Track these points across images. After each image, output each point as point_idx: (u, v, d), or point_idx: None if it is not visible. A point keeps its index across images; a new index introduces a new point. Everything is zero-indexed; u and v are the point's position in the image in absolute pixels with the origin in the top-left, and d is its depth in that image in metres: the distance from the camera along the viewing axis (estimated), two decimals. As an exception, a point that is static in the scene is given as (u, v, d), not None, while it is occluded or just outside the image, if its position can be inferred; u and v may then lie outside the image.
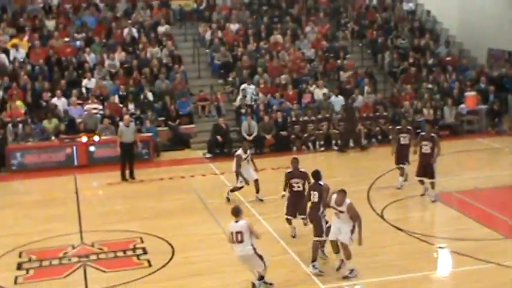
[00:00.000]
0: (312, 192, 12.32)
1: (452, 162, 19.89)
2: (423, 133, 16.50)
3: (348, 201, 11.51)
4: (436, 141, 16.05)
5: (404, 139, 17.25)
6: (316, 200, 12.18)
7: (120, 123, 19.93)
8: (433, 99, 24.68)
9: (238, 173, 16.19)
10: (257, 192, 16.32)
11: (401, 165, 17.23)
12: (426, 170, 15.94)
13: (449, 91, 25.35)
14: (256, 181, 16.30)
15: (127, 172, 19.15)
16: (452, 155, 20.65)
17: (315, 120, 22.93)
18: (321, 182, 12.33)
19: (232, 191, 16.46)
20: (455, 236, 13.66)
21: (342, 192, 11.56)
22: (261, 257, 11.01)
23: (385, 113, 23.75)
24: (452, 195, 16.36)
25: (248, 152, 16.54)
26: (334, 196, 11.64)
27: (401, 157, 17.23)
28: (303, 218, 13.24)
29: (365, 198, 16.28)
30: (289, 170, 13.57)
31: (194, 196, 17.26)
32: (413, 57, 26.99)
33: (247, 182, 16.20)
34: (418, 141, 16.27)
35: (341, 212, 11.54)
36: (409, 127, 17.76)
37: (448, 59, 27.32)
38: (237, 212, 11.06)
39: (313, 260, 11.86)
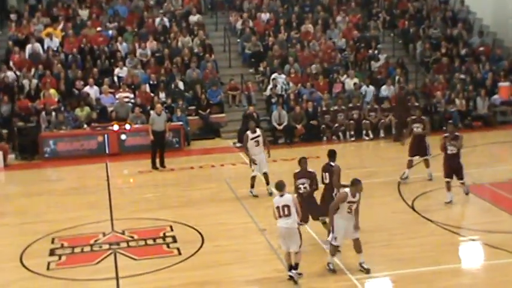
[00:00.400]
0: (323, 173, 12.44)
1: (485, 154, 19.65)
2: (447, 134, 15.08)
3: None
4: (460, 140, 14.89)
5: (417, 129, 16.77)
6: (327, 181, 12.37)
7: (152, 112, 20.05)
8: (466, 89, 24.38)
9: (246, 153, 16.01)
10: (267, 184, 15.78)
11: (411, 158, 16.72)
12: (455, 171, 14.95)
13: (482, 82, 25.01)
14: (265, 174, 15.82)
15: (157, 161, 19.26)
16: (485, 147, 20.40)
17: (346, 109, 22.81)
18: (332, 163, 12.42)
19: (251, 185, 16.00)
20: (487, 228, 13.46)
21: (358, 183, 11.12)
22: (300, 234, 10.99)
23: (416, 104, 23.52)
24: (485, 186, 16.16)
25: (257, 131, 15.90)
26: (347, 190, 11.15)
27: (414, 149, 16.73)
28: (322, 220, 12.67)
29: (395, 189, 16.16)
30: (297, 170, 12.76)
31: (224, 185, 17.32)
32: (446, 47, 26.66)
33: (255, 162, 15.72)
34: (443, 143, 14.98)
35: (354, 202, 11.17)
36: (423, 116, 17.26)
37: (481, 49, 26.93)
38: (281, 187, 11.00)
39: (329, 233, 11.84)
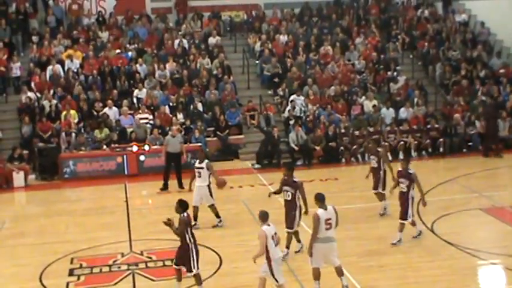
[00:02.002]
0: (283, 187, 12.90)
1: (505, 176, 19.50)
2: (400, 168, 14.00)
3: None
4: (415, 179, 13.70)
5: (373, 161, 15.94)
6: (288, 198, 12.74)
7: (169, 134, 20.15)
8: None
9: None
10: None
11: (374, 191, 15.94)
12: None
13: (502, 104, 24.85)
14: (210, 206, 15.38)
15: (175, 182, 19.28)
16: (506, 169, 20.22)
17: (366, 134, 22.71)
18: (296, 179, 12.74)
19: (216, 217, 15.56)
20: (508, 251, 13.30)
21: (320, 197, 11.18)
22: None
23: (436, 126, 23.42)
24: (506, 209, 15.99)
25: (203, 163, 15.21)
26: (318, 212, 11.02)
27: (374, 181, 15.88)
28: (287, 232, 12.97)
29: (415, 211, 16.03)
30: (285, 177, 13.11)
31: (242, 206, 17.30)
32: (466, 69, 26.57)
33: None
34: (397, 178, 14.05)
35: (330, 218, 11.04)
36: (378, 149, 16.24)
37: (502, 71, 26.80)
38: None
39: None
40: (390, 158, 17.90)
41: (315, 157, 22.35)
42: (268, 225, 10.63)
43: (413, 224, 13.94)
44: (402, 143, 22.68)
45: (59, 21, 28.12)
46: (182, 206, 11.33)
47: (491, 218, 15.33)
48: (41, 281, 12.58)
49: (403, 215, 13.71)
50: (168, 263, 13.19)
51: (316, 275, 11.10)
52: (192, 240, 11.11)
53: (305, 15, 29.75)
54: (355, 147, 22.45)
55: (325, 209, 11.04)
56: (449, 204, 16.54)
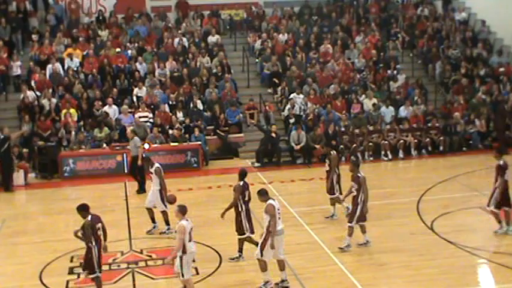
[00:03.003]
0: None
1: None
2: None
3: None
4: (362, 183, 13.35)
5: (326, 165, 15.56)
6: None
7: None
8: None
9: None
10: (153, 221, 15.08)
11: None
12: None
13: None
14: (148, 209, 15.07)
15: (176, 181, 19.21)
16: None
17: (366, 133, 22.72)
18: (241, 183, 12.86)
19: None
20: (508, 250, 13.33)
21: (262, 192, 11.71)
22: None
23: (436, 124, 23.43)
24: (505, 208, 15.95)
25: (153, 168, 14.91)
26: (271, 202, 11.54)
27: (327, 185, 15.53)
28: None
29: (415, 210, 16.07)
30: (241, 183, 13.01)
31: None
32: (465, 67, 26.57)
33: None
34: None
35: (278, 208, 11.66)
36: (331, 152, 15.80)
37: (502, 69, 26.79)
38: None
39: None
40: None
41: (315, 156, 22.35)
42: (187, 220, 10.97)
43: (350, 231, 13.33)
44: (402, 141, 22.68)
45: (59, 19, 28.10)
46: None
47: (491, 217, 15.31)
48: (41, 279, 12.60)
49: (350, 219, 13.39)
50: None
51: (265, 267, 11.38)
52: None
53: (305, 14, 29.74)
54: (354, 145, 22.46)
55: (274, 200, 11.50)
56: (449, 203, 16.56)
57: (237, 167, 21.88)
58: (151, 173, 15.10)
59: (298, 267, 12.51)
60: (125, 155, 21.33)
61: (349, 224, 13.31)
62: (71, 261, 13.45)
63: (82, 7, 28.89)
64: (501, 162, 14.05)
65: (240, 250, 13.01)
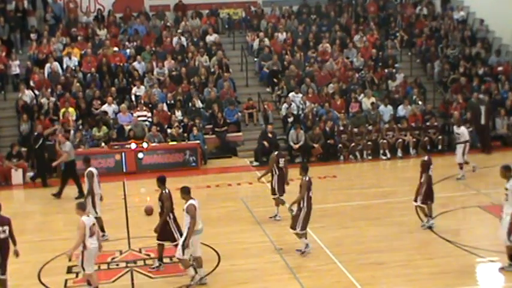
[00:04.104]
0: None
1: (503, 174, 19.42)
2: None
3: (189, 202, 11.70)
4: (306, 187, 13.12)
5: (283, 162, 15.61)
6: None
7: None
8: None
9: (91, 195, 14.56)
10: (102, 230, 14.14)
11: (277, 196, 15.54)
12: None
13: (501, 101, 24.85)
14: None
15: (174, 180, 19.20)
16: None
17: (365, 131, 22.73)
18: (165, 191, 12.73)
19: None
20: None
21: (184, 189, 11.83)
22: None
23: (435, 123, 23.42)
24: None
25: (86, 170, 14.70)
26: (193, 202, 11.73)
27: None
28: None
29: (413, 209, 16.05)
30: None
31: (240, 204, 17.32)
32: (464, 66, 26.58)
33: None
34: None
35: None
36: (273, 152, 15.78)
37: (500, 68, 26.80)
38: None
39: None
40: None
41: (314, 155, 22.35)
42: (88, 216, 11.33)
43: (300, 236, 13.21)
44: (400, 140, 22.68)
45: (58, 18, 28.06)
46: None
47: (489, 216, 15.35)
48: (39, 278, 12.60)
49: (292, 224, 13.17)
50: (166, 260, 13.21)
51: (189, 264, 11.78)
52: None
53: (303, 13, 29.71)
54: (353, 144, 22.46)
55: (195, 200, 11.67)
56: (448, 202, 16.55)
57: (236, 165, 22.06)
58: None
59: (297, 266, 12.52)
60: (123, 154, 21.33)
61: (293, 231, 13.09)
62: (69, 260, 13.41)
63: (80, 6, 28.86)
64: (425, 158, 14.56)
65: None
